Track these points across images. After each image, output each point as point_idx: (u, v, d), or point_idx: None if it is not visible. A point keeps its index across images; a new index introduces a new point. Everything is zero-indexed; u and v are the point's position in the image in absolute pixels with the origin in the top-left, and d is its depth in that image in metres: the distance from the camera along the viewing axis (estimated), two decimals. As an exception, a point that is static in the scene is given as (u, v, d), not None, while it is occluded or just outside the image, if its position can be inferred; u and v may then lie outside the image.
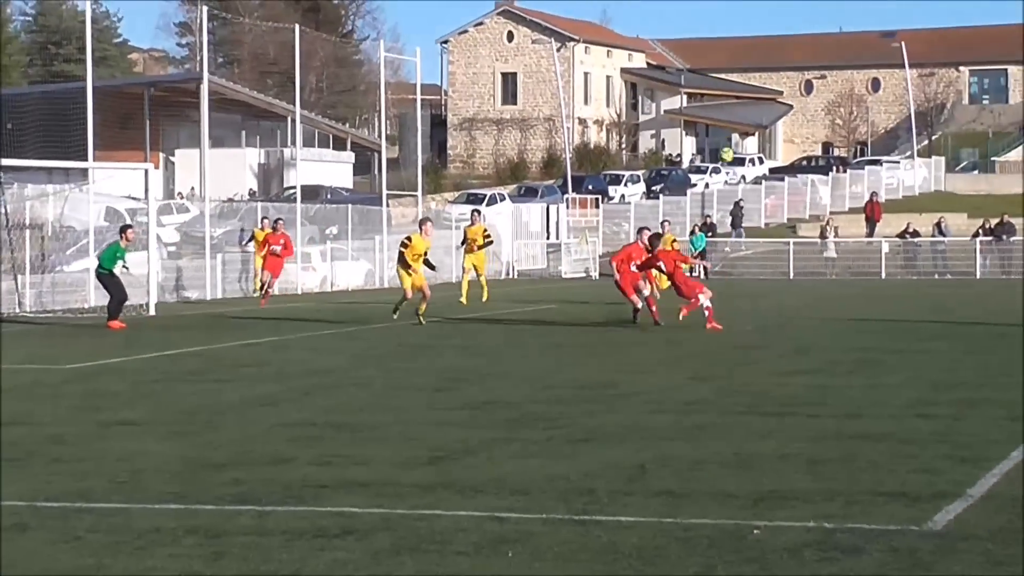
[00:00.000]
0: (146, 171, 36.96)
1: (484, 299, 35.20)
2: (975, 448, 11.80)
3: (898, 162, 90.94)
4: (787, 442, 12.29)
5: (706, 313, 25.48)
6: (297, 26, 50.68)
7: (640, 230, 28.15)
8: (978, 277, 54.44)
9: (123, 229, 29.50)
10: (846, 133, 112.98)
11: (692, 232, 55.12)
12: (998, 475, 10.51)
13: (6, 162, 38.67)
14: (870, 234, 63.70)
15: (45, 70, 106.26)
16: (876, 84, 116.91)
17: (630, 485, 10.32)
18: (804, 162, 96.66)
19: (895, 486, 10.13)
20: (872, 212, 66.53)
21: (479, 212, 39.43)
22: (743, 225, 67.39)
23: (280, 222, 38.82)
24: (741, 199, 71.31)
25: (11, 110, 65.25)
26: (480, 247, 36.06)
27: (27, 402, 15.76)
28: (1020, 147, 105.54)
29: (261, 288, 37.35)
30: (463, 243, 37.23)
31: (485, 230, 36.82)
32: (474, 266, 36.44)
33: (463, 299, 34.70)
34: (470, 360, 20.55)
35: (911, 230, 59.75)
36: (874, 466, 11.03)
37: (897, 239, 59.41)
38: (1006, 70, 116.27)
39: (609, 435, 12.85)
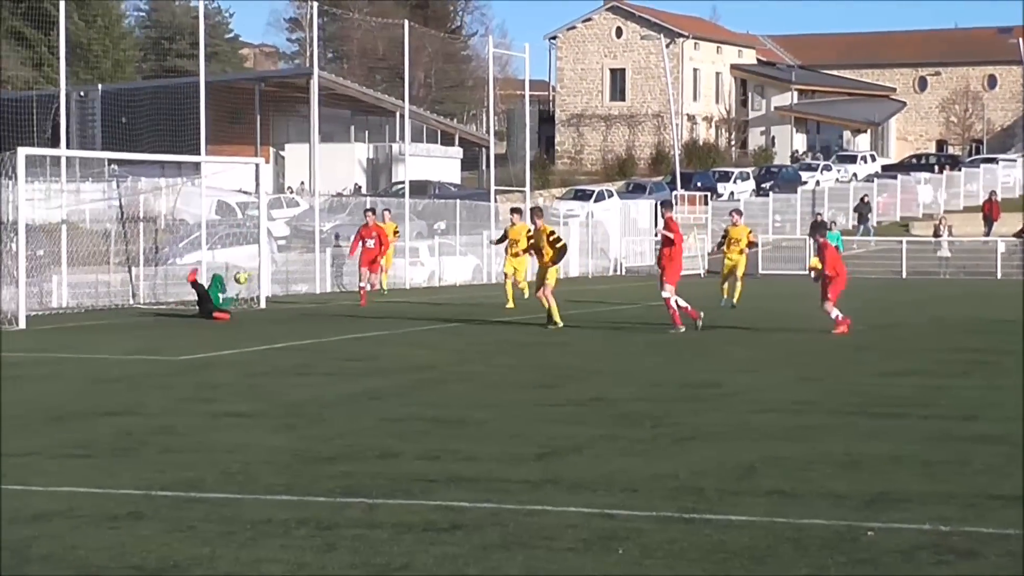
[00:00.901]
0: (256, 165, 37.33)
1: (509, 305, 32.02)
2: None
3: (1015, 160, 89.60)
4: (899, 443, 12.16)
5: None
6: (406, 21, 50.91)
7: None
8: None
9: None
10: (961, 131, 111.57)
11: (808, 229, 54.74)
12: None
13: (121, 156, 39.30)
14: (988, 233, 62.80)
15: (158, 65, 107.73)
16: (992, 81, 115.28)
17: (739, 484, 10.26)
18: (913, 160, 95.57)
19: (1011, 489, 9.98)
20: (991, 211, 65.67)
21: (520, 211, 32.34)
22: (870, 222, 66.96)
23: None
24: (867, 195, 70.84)
25: (125, 105, 66.17)
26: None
27: (138, 393, 16.00)
28: None
29: (371, 286, 35.78)
30: (500, 241, 34.00)
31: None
32: (515, 270, 33.15)
33: (510, 304, 32.07)
34: (574, 358, 20.54)
35: None
36: (990, 469, 10.88)
37: (1014, 238, 58.53)
38: None
39: (715, 434, 12.79)
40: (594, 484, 10.22)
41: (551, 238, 25.94)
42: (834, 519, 9.01)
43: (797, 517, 9.07)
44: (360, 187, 74.08)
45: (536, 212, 27.13)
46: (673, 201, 30.73)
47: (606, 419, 13.82)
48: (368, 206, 40.49)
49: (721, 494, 9.86)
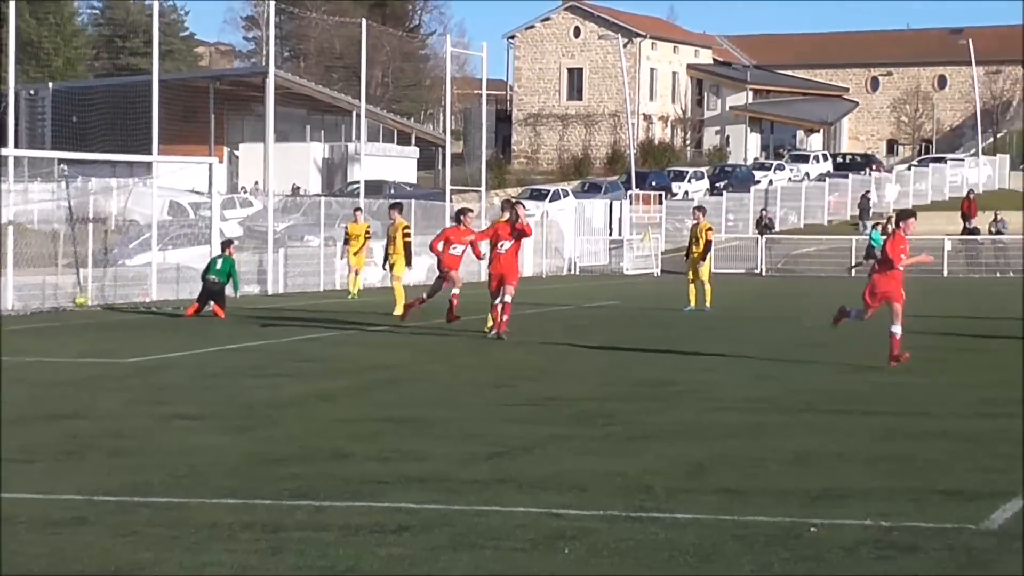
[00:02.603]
0: (210, 165, 37.18)
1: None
2: (1036, 448, 11.70)
3: (963, 160, 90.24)
4: (846, 440, 12.24)
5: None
6: (363, 20, 50.82)
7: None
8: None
9: (226, 244, 30.11)
10: (911, 130, 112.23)
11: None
12: (1059, 476, 10.42)
13: (71, 156, 38.98)
14: (964, 230, 62.96)
15: (111, 63, 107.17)
16: (942, 81, 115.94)
17: (688, 482, 10.31)
18: (840, 158, 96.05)
19: (953, 484, 10.08)
20: (969, 208, 66.13)
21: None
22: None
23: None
24: (868, 191, 71.37)
25: (77, 103, 65.79)
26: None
27: (88, 395, 15.90)
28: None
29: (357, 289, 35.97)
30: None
31: (405, 226, 30.72)
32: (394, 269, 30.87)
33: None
34: (531, 357, 20.56)
35: (1000, 222, 59.42)
36: (933, 464, 10.97)
37: (959, 237, 58.93)
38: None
39: (667, 432, 12.83)
40: (544, 484, 10.24)
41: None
42: (779, 516, 9.06)
43: (743, 514, 9.12)
44: (298, 188, 73.43)
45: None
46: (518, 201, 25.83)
47: (560, 418, 13.85)
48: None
49: (670, 492, 9.90)
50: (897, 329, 18.28)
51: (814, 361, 19.46)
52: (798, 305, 34.32)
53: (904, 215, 19.18)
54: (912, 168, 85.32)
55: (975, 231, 60.07)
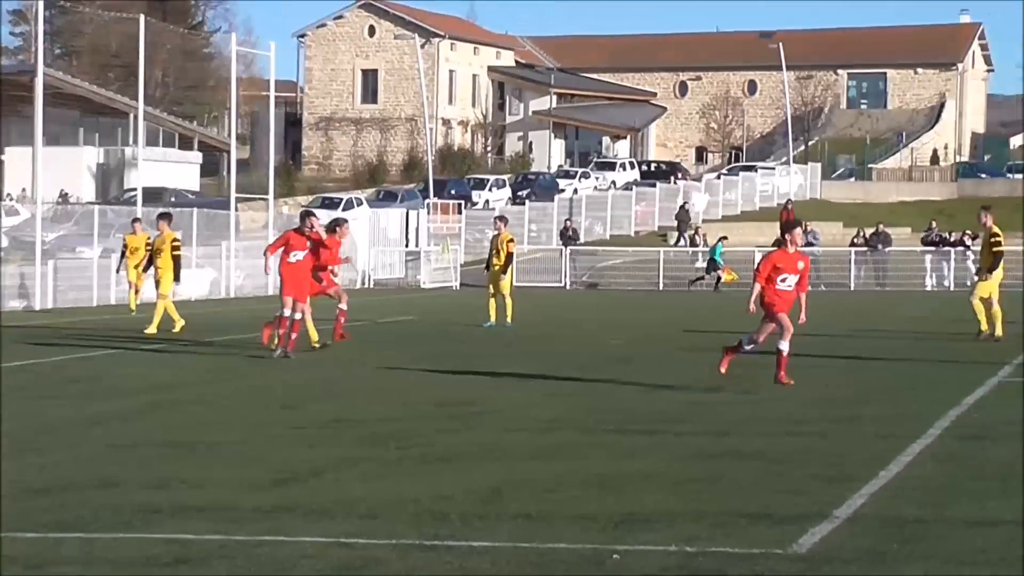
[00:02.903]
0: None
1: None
2: (844, 467, 11.97)
3: (773, 168, 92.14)
4: (652, 462, 12.37)
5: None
6: (142, 16, 50.06)
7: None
8: (852, 288, 55.29)
9: None
10: (721, 137, 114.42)
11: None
12: (865, 496, 10.67)
13: None
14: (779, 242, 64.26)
15: None
16: (752, 87, 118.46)
17: (484, 508, 10.32)
18: (647, 166, 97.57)
19: (761, 507, 10.24)
20: (788, 220, 67.35)
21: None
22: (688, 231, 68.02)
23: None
24: (688, 202, 72.16)
25: None
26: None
27: None
28: (898, 154, 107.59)
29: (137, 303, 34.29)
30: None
31: (173, 238, 29.90)
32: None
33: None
34: (320, 376, 20.42)
35: (811, 232, 60.68)
36: (740, 486, 11.14)
37: (771, 248, 60.14)
38: (885, 74, 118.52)
39: (464, 455, 12.84)
40: (332, 511, 10.16)
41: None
42: (581, 542, 9.11)
43: (543, 541, 9.15)
44: (67, 195, 71.85)
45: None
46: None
47: (350, 441, 13.77)
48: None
49: (465, 519, 9.90)
50: (784, 347, 17.74)
51: (620, 379, 19.65)
52: (604, 320, 34.69)
53: (789, 227, 18.42)
54: (722, 177, 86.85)
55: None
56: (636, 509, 10.20)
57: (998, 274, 26.61)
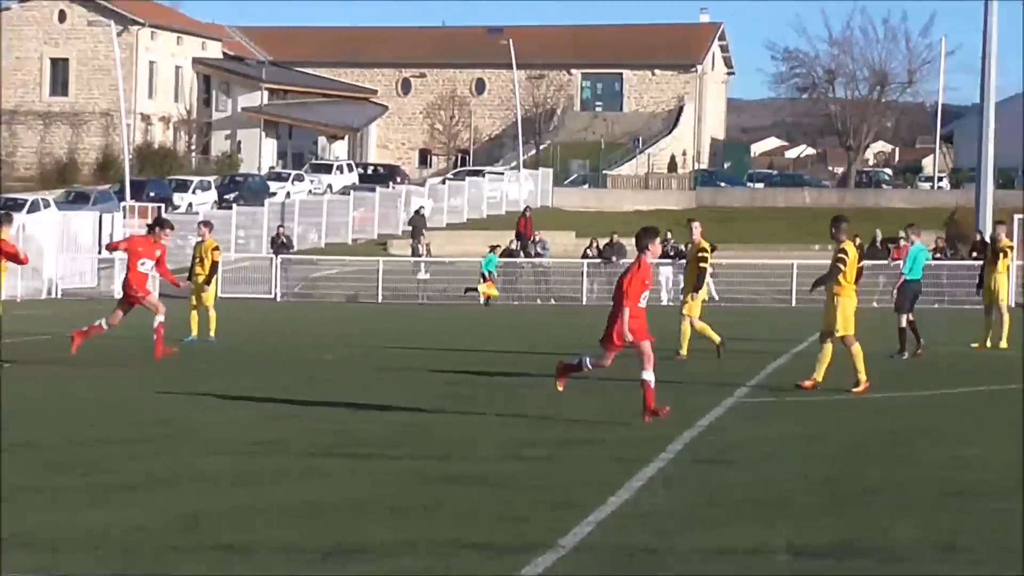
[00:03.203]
0: None
1: None
2: (571, 493, 12.12)
3: (502, 173, 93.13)
4: (366, 487, 12.36)
5: None
6: None
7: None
8: (584, 303, 56.07)
9: None
10: (447, 139, 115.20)
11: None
12: (593, 523, 10.81)
13: None
14: (522, 250, 64.43)
15: None
16: (480, 85, 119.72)
17: (180, 539, 10.19)
18: (366, 169, 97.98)
19: (483, 536, 10.31)
20: (525, 227, 67.79)
21: None
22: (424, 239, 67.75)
23: None
24: (422, 207, 72.00)
25: None
26: None
27: None
28: (634, 160, 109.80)
29: None
30: None
31: None
32: None
33: None
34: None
35: (540, 242, 61.42)
36: (461, 514, 11.20)
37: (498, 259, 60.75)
38: (621, 75, 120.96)
39: (160, 482, 12.65)
40: (8, 544, 9.91)
41: None
42: (286, 574, 9.04)
43: (245, 572, 9.05)
44: None
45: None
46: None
47: (31, 467, 13.45)
48: None
49: (159, 551, 9.76)
50: (650, 376, 16.62)
51: (333, 399, 19.59)
52: (317, 335, 34.58)
53: (650, 234, 17.17)
54: (447, 182, 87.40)
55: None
56: (347, 539, 10.18)
57: (703, 292, 27.44)
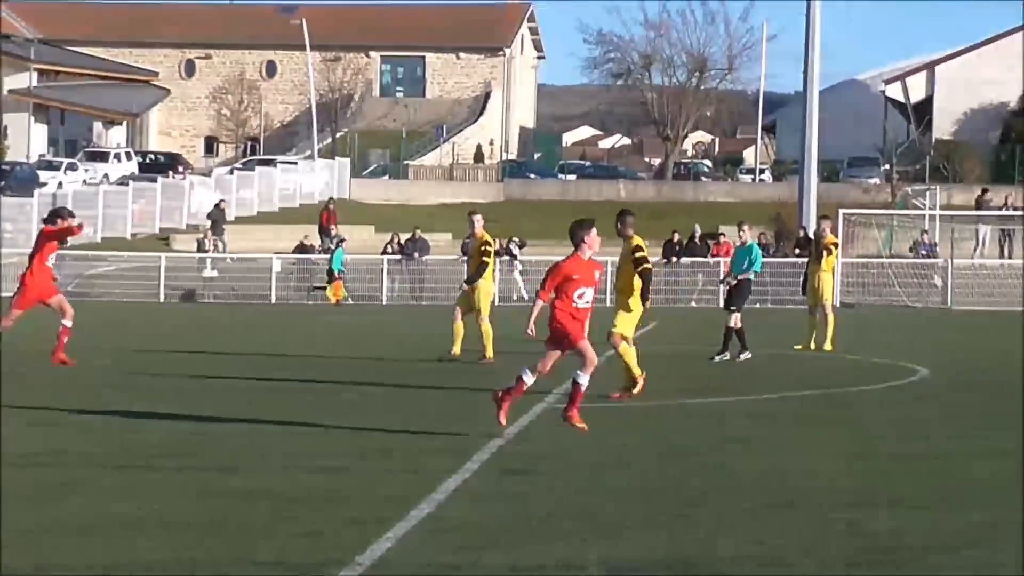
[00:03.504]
0: None
1: None
2: (369, 507, 12.07)
3: (296, 163, 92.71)
4: (144, 503, 12.19)
5: None
6: None
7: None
8: (385, 303, 56.06)
9: None
10: (235, 126, 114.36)
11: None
12: (392, 539, 10.77)
13: None
14: (321, 245, 64.16)
15: None
16: (271, 68, 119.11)
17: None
18: (146, 158, 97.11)
19: (273, 554, 10.24)
20: (328, 220, 67.65)
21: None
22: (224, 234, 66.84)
23: None
24: (223, 199, 71.14)
25: None
26: None
27: None
28: (438, 150, 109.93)
29: None
30: None
31: None
32: None
33: None
34: None
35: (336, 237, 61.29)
36: (249, 530, 11.09)
37: (291, 255, 60.57)
38: (424, 58, 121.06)
39: (-87, 499, 12.36)
40: None
41: None
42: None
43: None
44: None
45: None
46: None
47: None
48: None
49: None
50: (584, 379, 16.43)
51: (110, 407, 19.35)
52: (90, 336, 34.10)
53: (584, 226, 16.98)
54: (235, 172, 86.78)
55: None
56: (123, 559, 10.04)
57: (489, 287, 27.78)
